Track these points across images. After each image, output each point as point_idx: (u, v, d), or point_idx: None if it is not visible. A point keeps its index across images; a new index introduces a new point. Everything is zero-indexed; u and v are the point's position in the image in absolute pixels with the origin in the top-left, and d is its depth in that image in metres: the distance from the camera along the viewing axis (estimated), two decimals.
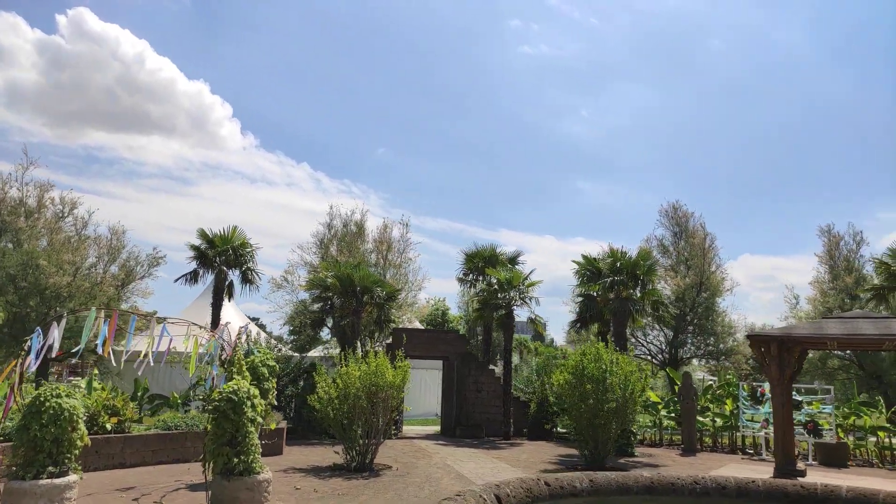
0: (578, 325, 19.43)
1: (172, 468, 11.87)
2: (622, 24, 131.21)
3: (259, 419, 8.76)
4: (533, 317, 20.00)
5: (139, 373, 11.02)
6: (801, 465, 14.09)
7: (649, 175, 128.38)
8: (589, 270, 18.12)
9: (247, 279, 20.42)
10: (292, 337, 27.64)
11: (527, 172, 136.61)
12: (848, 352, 29.43)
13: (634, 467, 14.00)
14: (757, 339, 11.67)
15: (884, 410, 16.99)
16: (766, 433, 17.01)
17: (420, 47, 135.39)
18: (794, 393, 16.71)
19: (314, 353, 26.59)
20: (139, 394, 17.21)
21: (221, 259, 19.60)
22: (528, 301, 19.64)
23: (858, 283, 29.94)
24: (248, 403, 8.50)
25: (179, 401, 17.04)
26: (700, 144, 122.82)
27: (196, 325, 9.11)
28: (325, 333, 26.55)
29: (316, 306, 20.33)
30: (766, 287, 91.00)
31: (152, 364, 9.33)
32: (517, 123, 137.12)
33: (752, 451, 17.74)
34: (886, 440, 16.88)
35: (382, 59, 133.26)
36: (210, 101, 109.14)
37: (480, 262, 21.83)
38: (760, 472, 14.19)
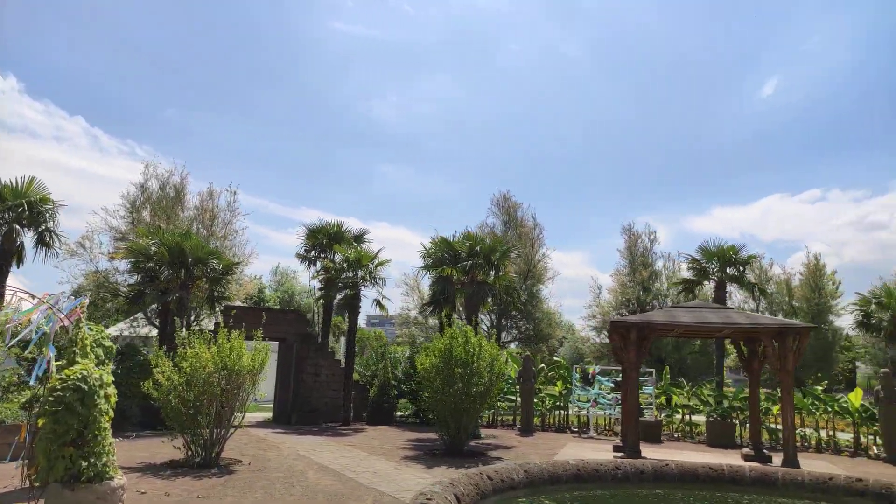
0: (432, 307, 19.19)
1: None
2: (434, 15, 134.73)
3: (111, 412, 7.07)
4: (380, 298, 19.33)
5: None
6: (619, 440, 15.33)
7: (455, 164, 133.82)
8: (447, 253, 17.91)
9: (44, 242, 16.98)
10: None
11: (331, 151, 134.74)
12: None
13: (488, 449, 14.10)
14: (619, 325, 12.31)
15: (688, 391, 19.20)
16: (593, 412, 18.32)
17: (224, 5, 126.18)
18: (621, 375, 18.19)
19: (110, 330, 23.25)
20: None
21: (12, 216, 16.03)
22: (377, 281, 18.95)
23: (652, 278, 33.83)
24: (101, 393, 6.81)
25: None
26: (500, 140, 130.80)
27: (28, 293, 7.09)
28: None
29: (134, 278, 17.59)
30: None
31: None
32: (324, 100, 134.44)
33: (577, 430, 19.00)
34: (688, 417, 19.13)
35: (180, 12, 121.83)
36: None
37: (325, 239, 20.60)
38: (599, 448, 15.14)
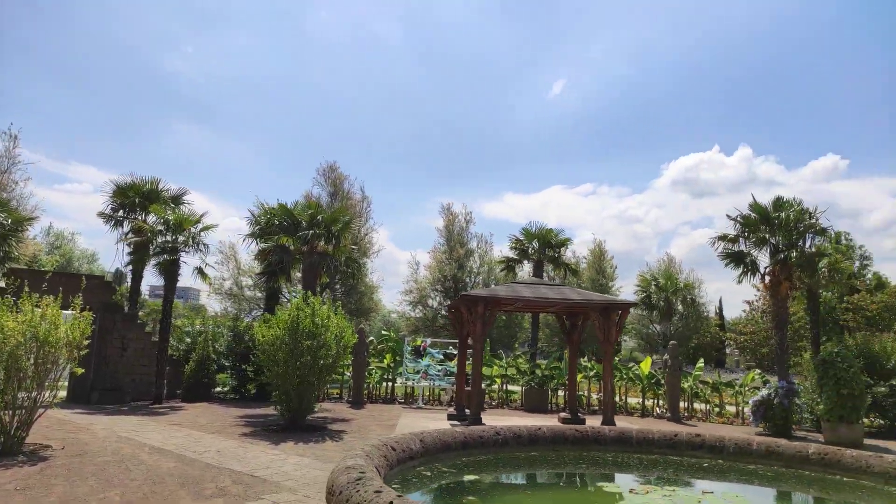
0: (266, 277, 18.06)
1: None
2: None
3: None
4: (203, 266, 17.82)
5: None
6: (452, 409, 16.08)
7: (259, 131, 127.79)
8: (286, 221, 16.95)
9: None
10: None
11: (113, 102, 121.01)
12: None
13: (326, 422, 13.83)
14: (468, 299, 12.74)
15: (508, 362, 20.59)
16: (423, 384, 18.83)
17: None
18: (450, 348, 18.92)
19: None
20: None
21: None
22: (200, 248, 17.42)
23: (468, 255, 35.51)
24: None
25: None
26: (311, 110, 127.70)
27: None
28: None
29: None
30: None
31: None
32: (105, 44, 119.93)
33: (403, 401, 19.40)
34: (504, 386, 20.53)
35: None
36: None
37: (137, 197, 18.38)
38: (433, 418, 15.63)
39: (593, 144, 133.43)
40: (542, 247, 22.32)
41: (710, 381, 18.92)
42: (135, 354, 17.59)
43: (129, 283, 19.05)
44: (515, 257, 22.98)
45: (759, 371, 19.74)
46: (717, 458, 7.28)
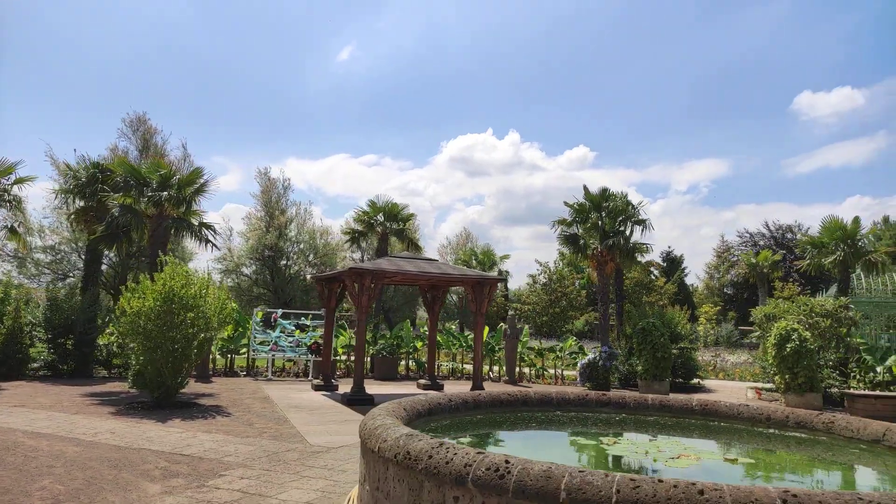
0: (103, 240, 15.91)
1: None
2: None
3: None
4: (14, 224, 15.34)
5: None
6: (319, 380, 16.22)
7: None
8: (133, 179, 15.14)
9: None
10: None
11: None
12: (268, 280, 33.80)
13: (190, 398, 13.09)
14: (356, 272, 12.88)
15: (350, 332, 20.93)
16: (271, 355, 18.40)
17: None
18: (302, 319, 18.78)
19: None
20: None
21: None
22: (11, 202, 14.99)
23: (289, 223, 34.64)
24: None
25: None
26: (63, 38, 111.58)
27: None
28: None
29: None
30: None
31: None
32: None
33: (245, 373, 18.77)
34: (349, 356, 20.88)
35: None
36: None
37: None
38: (297, 388, 15.73)
39: (378, 115, 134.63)
40: (388, 220, 22.85)
41: (536, 347, 21.30)
42: None
43: None
44: (361, 229, 23.17)
45: (575, 338, 22.66)
46: (622, 412, 8.71)
